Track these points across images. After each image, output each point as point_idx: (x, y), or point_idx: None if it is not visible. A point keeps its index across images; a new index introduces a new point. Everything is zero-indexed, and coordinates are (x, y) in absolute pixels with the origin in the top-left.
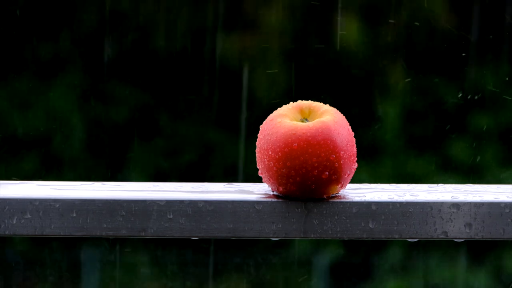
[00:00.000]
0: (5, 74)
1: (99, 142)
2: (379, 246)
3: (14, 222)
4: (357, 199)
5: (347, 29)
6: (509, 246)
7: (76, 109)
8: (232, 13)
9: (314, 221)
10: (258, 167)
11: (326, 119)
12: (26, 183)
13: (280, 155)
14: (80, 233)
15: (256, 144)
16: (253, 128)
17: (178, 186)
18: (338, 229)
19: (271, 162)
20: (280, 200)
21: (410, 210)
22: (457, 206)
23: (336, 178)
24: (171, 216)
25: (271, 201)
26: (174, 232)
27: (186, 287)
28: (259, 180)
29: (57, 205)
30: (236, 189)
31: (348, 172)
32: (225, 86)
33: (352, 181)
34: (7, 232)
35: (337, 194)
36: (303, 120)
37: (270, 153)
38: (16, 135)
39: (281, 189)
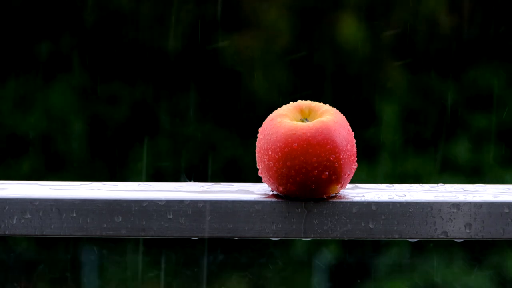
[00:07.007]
0: (5, 74)
1: (99, 141)
2: (379, 246)
3: (14, 222)
4: (357, 199)
5: (347, 29)
6: (509, 246)
7: (76, 109)
8: (231, 13)
9: (314, 221)
10: (258, 167)
11: (326, 119)
12: (26, 183)
13: (280, 155)
14: (80, 233)
15: (256, 144)
16: (253, 128)
17: (178, 186)
18: (338, 229)
19: (271, 162)
20: (280, 200)
21: (410, 210)
22: (457, 206)
23: (336, 178)
24: (171, 216)
25: (271, 201)
26: (174, 232)
27: (186, 287)
28: (259, 180)
29: (57, 205)
30: (236, 189)
31: (348, 172)
32: (225, 86)
33: (352, 181)
34: (7, 232)
35: (337, 194)
36: (303, 120)
37: (270, 153)
38: (16, 135)
39: (281, 189)
